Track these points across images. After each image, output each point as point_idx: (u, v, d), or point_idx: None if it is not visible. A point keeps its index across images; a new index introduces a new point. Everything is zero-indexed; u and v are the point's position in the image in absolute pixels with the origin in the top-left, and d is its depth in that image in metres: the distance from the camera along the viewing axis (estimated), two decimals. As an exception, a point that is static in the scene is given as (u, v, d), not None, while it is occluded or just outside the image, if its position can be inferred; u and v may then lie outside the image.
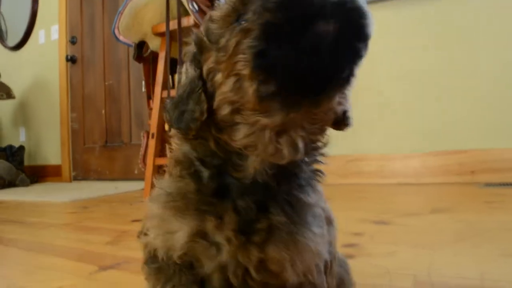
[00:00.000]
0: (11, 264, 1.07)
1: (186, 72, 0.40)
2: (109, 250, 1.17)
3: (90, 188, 3.25)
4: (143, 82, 2.63)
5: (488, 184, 1.92)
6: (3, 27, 4.40)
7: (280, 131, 0.35)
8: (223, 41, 0.35)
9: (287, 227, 0.39)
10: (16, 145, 4.06)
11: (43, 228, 1.57)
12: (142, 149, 2.59)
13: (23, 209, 2.19)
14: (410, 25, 2.37)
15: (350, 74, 0.32)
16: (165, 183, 0.43)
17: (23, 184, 3.61)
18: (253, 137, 0.36)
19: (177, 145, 0.43)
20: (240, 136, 0.36)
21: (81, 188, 3.22)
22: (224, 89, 0.35)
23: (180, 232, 0.40)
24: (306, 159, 0.41)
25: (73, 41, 3.93)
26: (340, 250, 0.97)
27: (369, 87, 2.42)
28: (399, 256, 0.91)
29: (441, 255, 0.90)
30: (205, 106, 0.37)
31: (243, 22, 0.33)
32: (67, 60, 3.91)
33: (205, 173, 0.40)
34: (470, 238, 1.03)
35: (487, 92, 2.14)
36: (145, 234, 0.45)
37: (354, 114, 0.41)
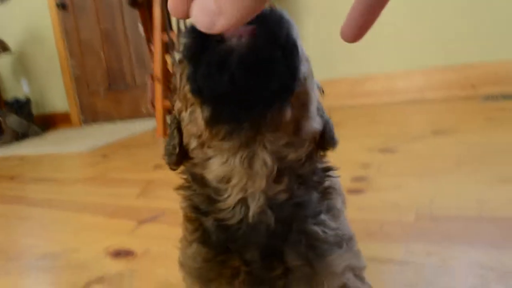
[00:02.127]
0: (57, 227, 1.19)
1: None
2: (142, 203, 1.28)
3: (102, 132, 3.35)
4: (139, 25, 2.60)
5: (489, 97, 1.97)
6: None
7: (250, 155, 0.34)
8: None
9: (305, 271, 0.38)
10: (21, 96, 4.11)
11: (70, 185, 1.68)
12: (149, 93, 2.63)
13: (45, 164, 2.31)
14: None
15: (282, 81, 0.30)
16: (184, 251, 0.43)
17: (36, 135, 3.72)
18: (226, 166, 0.35)
19: (182, 198, 0.43)
20: (214, 167, 0.36)
21: (94, 134, 3.31)
22: (185, 122, 0.36)
23: None
24: (315, 179, 0.39)
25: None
26: (350, 185, 1.08)
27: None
28: (405, 189, 1.01)
29: (443, 184, 1.00)
30: (176, 140, 0.38)
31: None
32: (57, 6, 3.81)
33: (211, 227, 0.39)
34: (470, 163, 1.12)
35: (489, 3, 2.11)
36: None
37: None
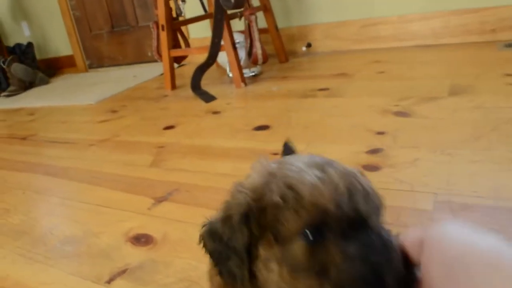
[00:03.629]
0: (76, 204, 1.21)
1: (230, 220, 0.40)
2: (156, 175, 1.29)
3: (108, 79, 3.31)
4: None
5: (509, 45, 1.89)
6: None
7: None
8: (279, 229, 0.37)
9: None
10: (22, 40, 4.02)
11: (84, 149, 1.69)
12: (154, 41, 2.56)
13: (56, 121, 2.31)
14: None
15: None
16: None
17: (43, 82, 3.67)
18: None
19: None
20: None
21: (100, 81, 3.27)
22: (278, 278, 0.37)
23: None
24: None
25: None
26: (366, 159, 1.07)
27: None
28: (421, 167, 1.00)
29: (458, 163, 0.98)
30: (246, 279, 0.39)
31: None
32: None
33: None
34: (486, 135, 1.10)
35: None
36: None
37: None
